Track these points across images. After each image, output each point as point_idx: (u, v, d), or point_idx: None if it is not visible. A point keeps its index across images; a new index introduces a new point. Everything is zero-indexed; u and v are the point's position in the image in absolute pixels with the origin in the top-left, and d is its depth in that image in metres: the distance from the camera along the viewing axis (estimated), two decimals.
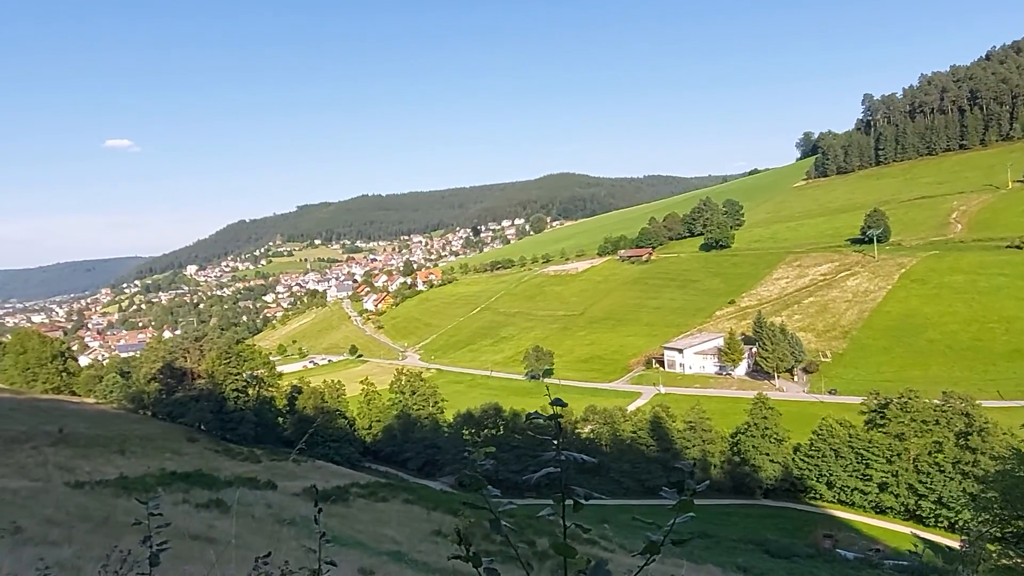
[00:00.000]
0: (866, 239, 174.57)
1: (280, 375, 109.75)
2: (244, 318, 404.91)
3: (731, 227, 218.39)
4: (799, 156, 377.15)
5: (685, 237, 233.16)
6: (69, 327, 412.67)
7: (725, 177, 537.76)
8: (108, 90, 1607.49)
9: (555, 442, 2.48)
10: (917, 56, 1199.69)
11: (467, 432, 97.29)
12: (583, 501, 2.43)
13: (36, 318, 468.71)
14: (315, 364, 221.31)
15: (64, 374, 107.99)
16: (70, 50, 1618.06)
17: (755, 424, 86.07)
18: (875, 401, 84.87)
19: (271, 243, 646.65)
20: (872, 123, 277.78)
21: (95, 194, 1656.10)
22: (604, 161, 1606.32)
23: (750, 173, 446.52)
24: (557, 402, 2.50)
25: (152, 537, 3.96)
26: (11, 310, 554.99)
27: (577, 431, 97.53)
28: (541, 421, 2.54)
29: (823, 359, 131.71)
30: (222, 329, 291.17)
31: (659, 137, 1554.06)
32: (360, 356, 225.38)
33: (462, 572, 21.46)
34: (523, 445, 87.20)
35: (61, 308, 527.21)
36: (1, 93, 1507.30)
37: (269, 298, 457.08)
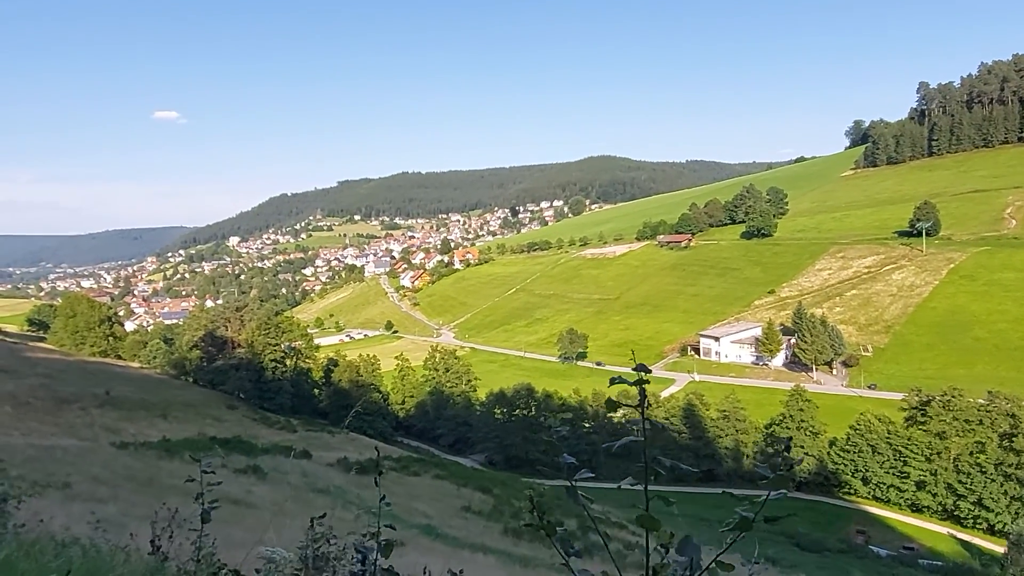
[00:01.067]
0: (914, 232, 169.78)
1: (317, 347, 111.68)
2: (283, 290, 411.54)
3: (774, 216, 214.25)
4: (848, 145, 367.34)
5: (726, 224, 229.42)
6: (116, 293, 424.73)
7: (770, 164, 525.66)
8: (158, 61, 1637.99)
9: (637, 410, 2.37)
10: (977, 45, 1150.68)
11: (499, 411, 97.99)
12: (664, 473, 2.32)
13: (85, 283, 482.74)
14: (351, 338, 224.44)
15: (111, 338, 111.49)
16: (124, 16, 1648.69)
17: (791, 416, 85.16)
18: (916, 398, 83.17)
19: (311, 217, 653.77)
20: (927, 112, 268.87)
21: (143, 164, 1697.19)
22: (646, 145, 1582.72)
23: (796, 161, 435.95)
24: (641, 367, 2.40)
25: (204, 495, 4.12)
26: (62, 275, 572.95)
27: (609, 415, 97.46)
28: (626, 384, 2.40)
29: (864, 353, 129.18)
30: (262, 300, 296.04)
31: (703, 122, 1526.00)
32: (395, 332, 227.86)
33: (491, 548, 21.74)
34: (554, 426, 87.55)
35: (109, 274, 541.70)
36: (60, 64, 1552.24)
37: (308, 271, 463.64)
